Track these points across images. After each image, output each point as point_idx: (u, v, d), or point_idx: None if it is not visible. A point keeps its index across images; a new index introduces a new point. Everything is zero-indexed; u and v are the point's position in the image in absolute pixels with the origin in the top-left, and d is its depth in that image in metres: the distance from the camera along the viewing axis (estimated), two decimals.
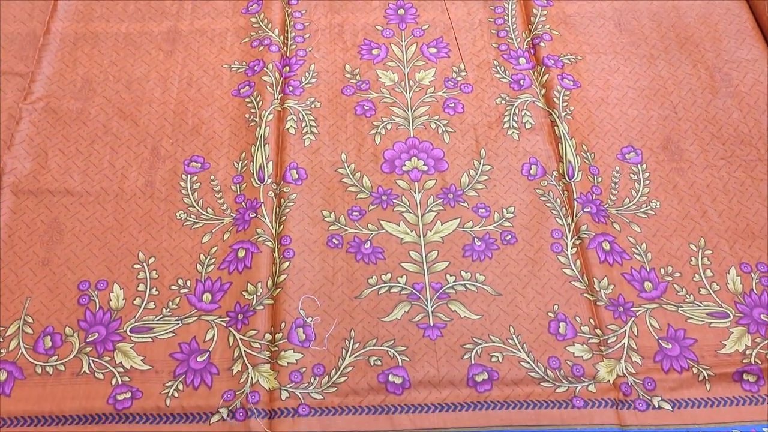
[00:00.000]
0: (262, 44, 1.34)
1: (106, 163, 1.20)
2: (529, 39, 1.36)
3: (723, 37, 1.35)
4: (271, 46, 1.33)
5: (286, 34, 1.37)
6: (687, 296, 1.07)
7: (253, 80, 1.29)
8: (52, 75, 1.30)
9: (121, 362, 1.01)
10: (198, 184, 1.18)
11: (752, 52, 1.32)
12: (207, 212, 1.15)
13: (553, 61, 1.32)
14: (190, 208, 1.15)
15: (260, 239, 1.11)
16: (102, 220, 1.14)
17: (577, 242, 1.12)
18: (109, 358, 1.01)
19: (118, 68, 1.32)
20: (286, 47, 1.35)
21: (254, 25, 1.38)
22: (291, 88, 1.29)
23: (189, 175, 1.19)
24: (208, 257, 1.10)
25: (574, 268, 1.09)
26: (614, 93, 1.28)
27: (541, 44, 1.34)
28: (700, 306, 1.06)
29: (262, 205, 1.14)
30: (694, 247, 1.11)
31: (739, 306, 1.06)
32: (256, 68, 1.31)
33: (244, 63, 1.33)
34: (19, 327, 1.04)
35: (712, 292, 1.07)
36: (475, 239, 1.12)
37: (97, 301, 1.06)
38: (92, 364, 1.01)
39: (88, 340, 1.03)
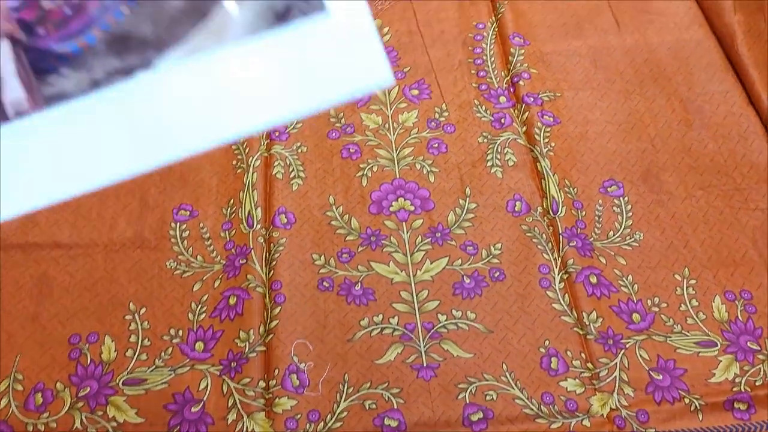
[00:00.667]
0: None
1: (95, 214, 1.20)
2: (509, 78, 1.40)
3: (694, 70, 1.40)
4: None
5: None
6: (674, 326, 1.08)
7: None
8: None
9: (114, 416, 1.00)
10: (187, 232, 1.19)
11: (723, 84, 1.37)
12: (197, 260, 1.15)
13: (532, 99, 1.35)
14: (179, 257, 1.16)
15: (251, 285, 1.11)
16: (91, 272, 1.14)
17: (565, 276, 1.13)
18: (101, 413, 1.00)
19: None
20: None
21: None
22: (277, 134, 1.30)
23: (178, 224, 1.19)
24: (200, 305, 1.11)
25: (562, 302, 1.11)
26: (593, 128, 1.32)
27: (520, 83, 1.37)
28: (687, 335, 1.08)
29: (252, 250, 1.15)
30: (679, 277, 1.14)
31: (726, 334, 1.08)
32: None
33: None
34: (9, 384, 1.03)
35: (698, 321, 1.09)
36: (465, 277, 1.14)
37: (88, 355, 1.06)
38: (85, 420, 1.00)
39: (80, 395, 1.02)
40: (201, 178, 1.25)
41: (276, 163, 1.26)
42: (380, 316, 1.09)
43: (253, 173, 1.24)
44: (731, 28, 1.41)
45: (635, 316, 1.09)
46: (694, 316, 1.09)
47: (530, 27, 1.48)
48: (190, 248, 1.17)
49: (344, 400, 1.02)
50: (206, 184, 1.24)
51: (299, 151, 1.29)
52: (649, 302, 1.11)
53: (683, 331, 1.08)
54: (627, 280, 1.13)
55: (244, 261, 1.14)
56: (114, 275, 1.14)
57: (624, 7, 1.51)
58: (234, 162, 1.27)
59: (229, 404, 1.01)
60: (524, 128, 1.32)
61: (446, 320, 1.09)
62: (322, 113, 1.34)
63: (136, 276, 1.14)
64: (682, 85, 1.38)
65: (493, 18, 1.49)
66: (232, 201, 1.22)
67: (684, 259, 1.16)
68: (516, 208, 1.21)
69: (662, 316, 1.09)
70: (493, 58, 1.43)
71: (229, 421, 1.00)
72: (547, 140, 1.29)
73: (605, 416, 1.00)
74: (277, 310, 1.09)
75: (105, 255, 1.16)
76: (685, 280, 1.13)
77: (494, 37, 1.47)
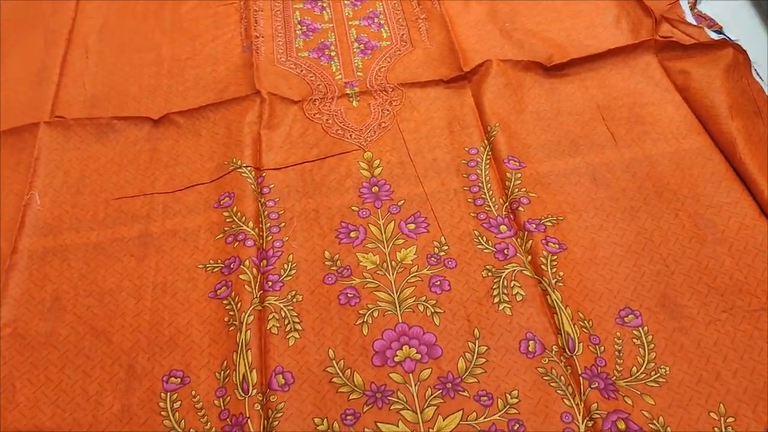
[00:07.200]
0: (236, 239, 1.30)
1: (79, 390, 1.12)
2: (507, 204, 1.34)
3: (699, 182, 1.34)
4: (246, 241, 1.30)
5: (260, 226, 1.34)
6: None
7: (230, 279, 1.24)
8: (20, 296, 1.24)
9: None
10: (179, 402, 1.10)
11: (731, 194, 1.31)
12: None
13: (534, 225, 1.29)
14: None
15: None
16: None
17: (590, 424, 1.04)
18: None
19: (89, 281, 1.26)
20: (262, 239, 1.31)
21: (227, 220, 1.35)
22: (270, 284, 1.24)
23: (168, 394, 1.11)
24: None
25: None
26: (602, 252, 1.25)
27: (520, 209, 1.32)
28: None
29: (249, 420, 1.06)
30: (715, 416, 1.04)
31: None
32: (232, 266, 1.26)
33: (219, 261, 1.28)
34: None
35: None
36: None
37: None
38: None
39: None
40: (192, 340, 1.17)
41: (270, 317, 1.19)
42: None
43: (246, 331, 1.16)
44: (730, 135, 1.38)
45: None
46: None
47: (524, 148, 1.44)
48: (182, 420, 1.08)
49: None
50: (197, 345, 1.16)
51: (294, 300, 1.22)
52: None
53: None
54: (659, 422, 1.04)
55: None
56: None
57: (617, 119, 1.48)
58: (226, 319, 1.19)
59: None
60: (529, 258, 1.25)
61: None
62: (317, 257, 1.28)
63: None
64: (689, 198, 1.32)
65: (486, 142, 1.46)
66: (225, 363, 1.13)
67: (717, 393, 1.06)
68: (529, 349, 1.13)
69: None
70: (489, 185, 1.38)
71: None
72: (554, 269, 1.22)
73: None
74: None
75: None
76: (722, 419, 1.03)
77: (489, 161, 1.43)
